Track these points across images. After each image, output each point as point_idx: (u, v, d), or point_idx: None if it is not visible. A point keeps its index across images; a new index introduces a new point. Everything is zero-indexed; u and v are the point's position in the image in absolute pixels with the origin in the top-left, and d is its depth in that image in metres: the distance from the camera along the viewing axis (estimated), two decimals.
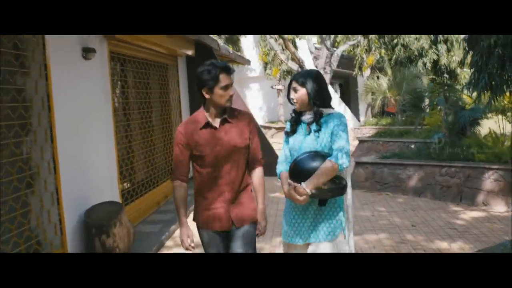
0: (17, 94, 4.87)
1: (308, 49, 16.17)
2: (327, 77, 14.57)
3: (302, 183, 3.27)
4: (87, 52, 6.10)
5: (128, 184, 8.10)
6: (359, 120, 24.26)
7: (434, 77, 22.39)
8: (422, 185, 9.31)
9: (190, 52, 10.34)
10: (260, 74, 23.00)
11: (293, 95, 3.55)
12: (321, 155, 3.38)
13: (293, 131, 3.62)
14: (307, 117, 3.55)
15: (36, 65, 5.11)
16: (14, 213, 4.77)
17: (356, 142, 16.44)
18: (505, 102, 11.94)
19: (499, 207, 8.04)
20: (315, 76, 3.59)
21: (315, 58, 15.60)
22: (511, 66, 9.33)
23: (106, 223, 5.60)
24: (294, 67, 15.35)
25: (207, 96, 3.44)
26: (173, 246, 6.65)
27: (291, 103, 3.62)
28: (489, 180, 8.30)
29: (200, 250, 3.74)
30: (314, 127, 3.48)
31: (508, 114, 11.91)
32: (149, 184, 8.44)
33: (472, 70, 10.69)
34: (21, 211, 4.88)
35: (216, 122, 3.51)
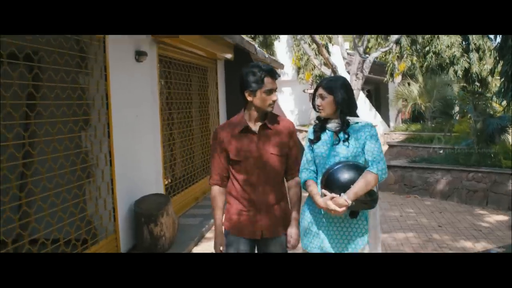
0: (78, 93, 5.38)
1: (341, 55, 16.47)
2: (359, 83, 14.84)
3: (342, 194, 3.13)
4: (140, 55, 6.63)
5: (170, 180, 8.62)
6: (388, 126, 24.52)
7: (465, 85, 22.52)
8: (449, 189, 9.65)
9: (229, 56, 10.81)
10: (292, 78, 23.40)
11: (319, 101, 3.41)
12: (356, 166, 3.27)
13: (317, 138, 3.47)
14: (333, 125, 3.43)
15: (98, 66, 5.63)
16: (77, 199, 5.30)
17: (386, 147, 16.78)
18: None
19: None
20: (343, 84, 3.46)
21: (348, 64, 15.87)
22: None
23: (155, 213, 6.10)
24: (327, 72, 15.70)
25: (249, 98, 3.32)
26: (213, 237, 7.11)
27: (316, 110, 3.49)
28: None
29: None
30: (342, 136, 3.36)
31: None
32: (188, 180, 8.94)
33: (502, 79, 11.01)
34: (82, 198, 5.41)
35: (256, 127, 3.38)
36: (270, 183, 3.40)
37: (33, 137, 4.91)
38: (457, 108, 13.42)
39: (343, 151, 3.32)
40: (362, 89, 22.33)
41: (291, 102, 25.44)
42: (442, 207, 8.98)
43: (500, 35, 11.06)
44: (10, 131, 4.46)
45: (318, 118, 3.54)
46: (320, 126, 3.48)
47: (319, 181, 3.39)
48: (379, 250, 3.46)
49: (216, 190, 3.50)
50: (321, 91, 3.39)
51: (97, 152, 5.63)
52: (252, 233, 3.42)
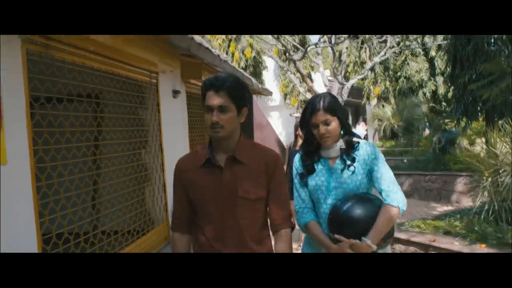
0: (138, 122, 7.66)
1: (323, 82, 18.76)
2: None
3: (364, 238, 2.61)
4: (176, 93, 8.98)
5: None
6: None
7: (433, 105, 24.99)
8: (411, 189, 12.11)
9: None
10: (279, 103, 25.79)
11: (324, 129, 2.79)
12: (369, 199, 2.78)
13: (310, 172, 2.95)
14: (333, 150, 2.89)
15: (154, 102, 7.97)
16: (137, 199, 7.51)
17: None
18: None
19: (467, 204, 10.76)
20: (337, 100, 2.92)
21: (328, 90, 18.18)
22: (481, 100, 12.18)
23: None
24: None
25: None
26: None
27: (320, 141, 2.88)
28: (460, 184, 11.05)
29: None
30: (347, 160, 2.84)
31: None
32: None
33: (453, 101, 13.60)
34: (140, 198, 7.63)
35: (222, 160, 2.59)
36: (242, 236, 2.58)
37: (107, 154, 7.10)
38: (420, 126, 15.94)
39: (348, 180, 2.84)
40: None
41: (279, 125, 27.81)
42: None
43: (450, 65, 13.59)
44: (89, 149, 6.72)
45: (307, 148, 3.01)
46: (312, 156, 2.97)
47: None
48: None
49: (175, 238, 2.76)
50: (323, 116, 2.79)
51: (155, 164, 7.96)
52: None
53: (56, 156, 4.95)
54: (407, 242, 6.19)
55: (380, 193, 2.81)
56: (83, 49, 4.94)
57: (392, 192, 2.76)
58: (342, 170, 2.86)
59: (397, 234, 6.10)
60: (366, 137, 25.08)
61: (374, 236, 2.64)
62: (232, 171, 2.57)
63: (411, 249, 6.10)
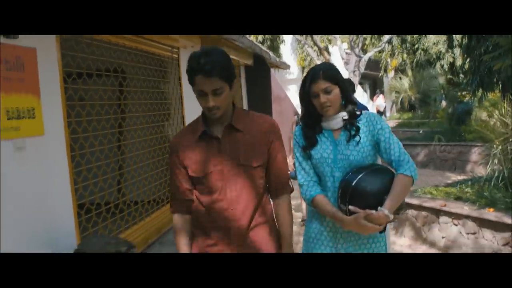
0: (161, 95, 7.98)
1: (340, 55, 18.94)
2: (356, 80, 17.11)
3: (380, 208, 2.52)
4: None
5: None
6: (385, 116, 27.14)
7: (451, 77, 24.99)
8: (427, 159, 12.39)
9: (249, 62, 13.44)
10: (297, 76, 25.92)
11: (324, 98, 2.71)
12: (380, 170, 2.71)
13: (313, 144, 2.84)
14: (335, 121, 2.81)
15: (176, 77, 8.28)
16: (161, 168, 7.88)
17: None
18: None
19: (481, 173, 11.00)
20: (337, 68, 2.85)
21: (346, 63, 18.34)
22: (496, 71, 12.26)
23: None
24: None
25: None
26: None
27: (320, 111, 2.79)
28: (475, 154, 11.28)
29: None
30: (352, 130, 2.76)
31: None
32: None
33: (469, 72, 13.68)
34: (164, 168, 7.98)
35: (218, 131, 2.55)
36: (244, 205, 2.54)
37: (133, 126, 7.43)
38: (437, 98, 16.09)
39: (354, 152, 2.75)
40: (360, 83, 25.00)
41: (296, 98, 27.97)
42: (420, 173, 11.45)
43: (466, 36, 13.63)
44: (116, 121, 7.05)
45: (307, 119, 2.91)
46: (313, 128, 2.88)
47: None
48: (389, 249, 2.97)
49: (178, 220, 2.64)
50: (324, 84, 2.72)
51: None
52: None
53: (87, 127, 5.29)
54: (419, 207, 6.46)
55: (390, 164, 2.72)
56: None
57: (404, 161, 2.65)
58: (347, 141, 2.76)
59: (409, 200, 6.38)
60: (385, 109, 25.27)
61: (391, 205, 2.54)
62: (230, 140, 2.52)
63: (423, 214, 6.37)
